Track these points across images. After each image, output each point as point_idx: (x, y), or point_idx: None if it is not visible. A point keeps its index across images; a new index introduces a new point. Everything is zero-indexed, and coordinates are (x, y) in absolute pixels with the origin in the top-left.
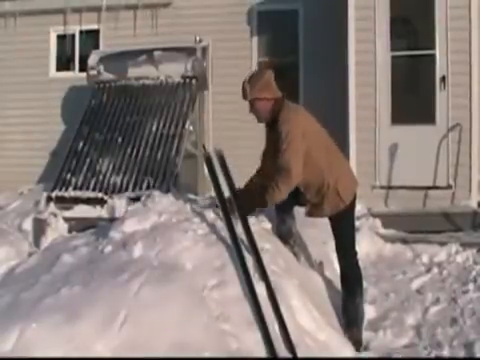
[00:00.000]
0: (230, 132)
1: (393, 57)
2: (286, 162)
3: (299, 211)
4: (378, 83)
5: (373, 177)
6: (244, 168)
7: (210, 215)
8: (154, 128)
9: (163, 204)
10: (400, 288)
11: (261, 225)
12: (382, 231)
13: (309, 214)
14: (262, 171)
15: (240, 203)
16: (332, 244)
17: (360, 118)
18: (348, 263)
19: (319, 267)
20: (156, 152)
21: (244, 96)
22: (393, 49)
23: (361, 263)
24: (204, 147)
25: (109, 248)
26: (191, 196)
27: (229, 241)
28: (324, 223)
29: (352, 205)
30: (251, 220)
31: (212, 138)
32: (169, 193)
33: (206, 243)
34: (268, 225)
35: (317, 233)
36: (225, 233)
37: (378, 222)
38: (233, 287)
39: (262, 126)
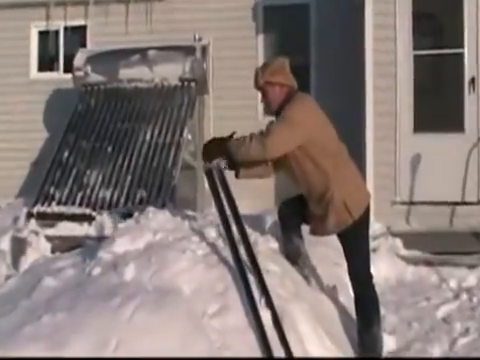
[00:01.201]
0: None
1: (416, 56)
2: (272, 130)
3: (307, 229)
4: (399, 86)
5: (393, 191)
6: (249, 182)
7: (211, 234)
8: (148, 136)
9: (158, 221)
10: (424, 316)
11: (267, 245)
12: (403, 252)
13: (313, 231)
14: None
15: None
16: (346, 265)
17: (378, 125)
18: (362, 287)
19: (332, 291)
20: (150, 163)
21: (255, 82)
22: (416, 48)
23: (379, 288)
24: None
25: (98, 270)
26: (189, 212)
27: (232, 262)
28: (336, 241)
29: (363, 221)
30: (257, 239)
31: None
32: (165, 209)
33: (206, 265)
34: (275, 244)
35: (329, 253)
36: (227, 253)
37: (399, 242)
38: (236, 314)
39: None
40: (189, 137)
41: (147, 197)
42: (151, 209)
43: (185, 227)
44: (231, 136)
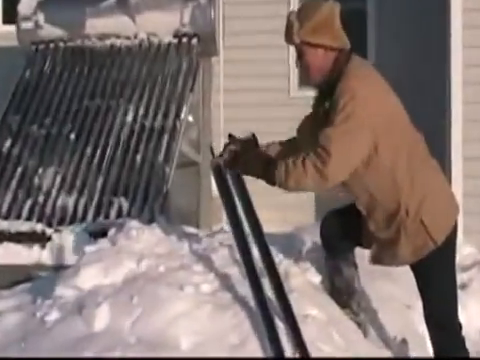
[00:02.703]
0: (252, 124)
1: None
2: (328, 141)
3: (363, 255)
4: None
5: None
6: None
7: (221, 261)
8: (129, 118)
9: (144, 242)
10: None
11: (304, 277)
12: None
13: (375, 259)
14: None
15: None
16: (421, 309)
17: (469, 116)
18: (446, 340)
19: (400, 346)
20: (133, 157)
21: (287, 37)
22: None
23: (470, 341)
24: (212, 150)
25: (55, 315)
26: (190, 229)
27: (252, 303)
28: (408, 273)
29: (448, 245)
30: (290, 269)
31: (224, 134)
32: (154, 224)
33: (215, 306)
34: (316, 277)
35: (396, 291)
36: (246, 290)
37: None
38: None
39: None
40: (189, 119)
41: (128, 207)
42: (134, 225)
43: (183, 251)
44: (253, 140)
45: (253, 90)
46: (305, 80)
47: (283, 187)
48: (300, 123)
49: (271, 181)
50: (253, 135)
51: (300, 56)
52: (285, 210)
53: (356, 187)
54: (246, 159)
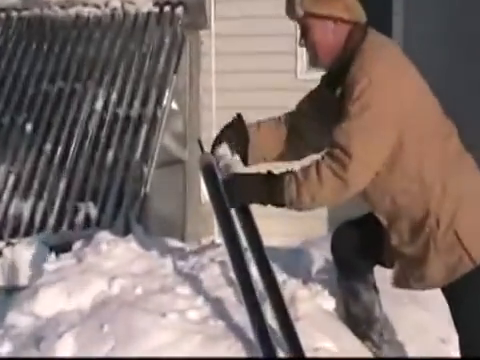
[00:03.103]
0: (250, 113)
1: None
2: (346, 139)
3: (386, 276)
4: None
5: None
6: None
7: (210, 281)
8: (99, 105)
9: (117, 259)
10: None
11: (314, 302)
12: None
13: (399, 282)
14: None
15: (233, 186)
16: (457, 342)
17: None
18: None
19: None
20: (103, 154)
21: (289, 9)
22: None
23: None
24: (201, 144)
25: (7, 348)
26: (173, 242)
27: (250, 334)
28: (440, 298)
29: None
30: (296, 292)
31: (216, 125)
32: (129, 236)
33: (204, 337)
34: (329, 302)
35: (428, 320)
36: (242, 318)
37: None
38: None
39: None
40: (173, 106)
41: (97, 215)
42: (104, 237)
43: (166, 270)
44: (239, 120)
45: (252, 71)
46: (313, 61)
47: (296, 207)
48: (300, 102)
49: (279, 203)
50: (239, 116)
51: (305, 32)
52: (291, 219)
53: (375, 192)
54: (241, 184)
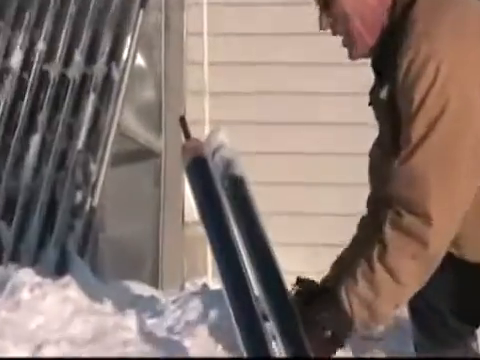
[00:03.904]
0: (249, 87)
1: None
2: (420, 198)
3: None
4: None
5: None
6: (280, 176)
7: (200, 348)
8: (15, 61)
9: (46, 314)
10: None
11: None
12: None
13: None
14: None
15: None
16: None
17: None
18: None
19: None
20: (23, 138)
21: None
22: None
23: None
24: (185, 124)
25: None
26: (141, 287)
27: None
28: None
29: None
30: None
31: (209, 93)
32: (67, 277)
33: None
34: None
35: None
36: None
37: None
38: None
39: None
40: (140, 63)
41: (13, 241)
42: (25, 279)
43: (128, 334)
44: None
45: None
46: (349, 52)
47: (380, 319)
48: (375, 140)
49: (348, 321)
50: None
51: (334, 13)
52: (317, 245)
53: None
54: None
